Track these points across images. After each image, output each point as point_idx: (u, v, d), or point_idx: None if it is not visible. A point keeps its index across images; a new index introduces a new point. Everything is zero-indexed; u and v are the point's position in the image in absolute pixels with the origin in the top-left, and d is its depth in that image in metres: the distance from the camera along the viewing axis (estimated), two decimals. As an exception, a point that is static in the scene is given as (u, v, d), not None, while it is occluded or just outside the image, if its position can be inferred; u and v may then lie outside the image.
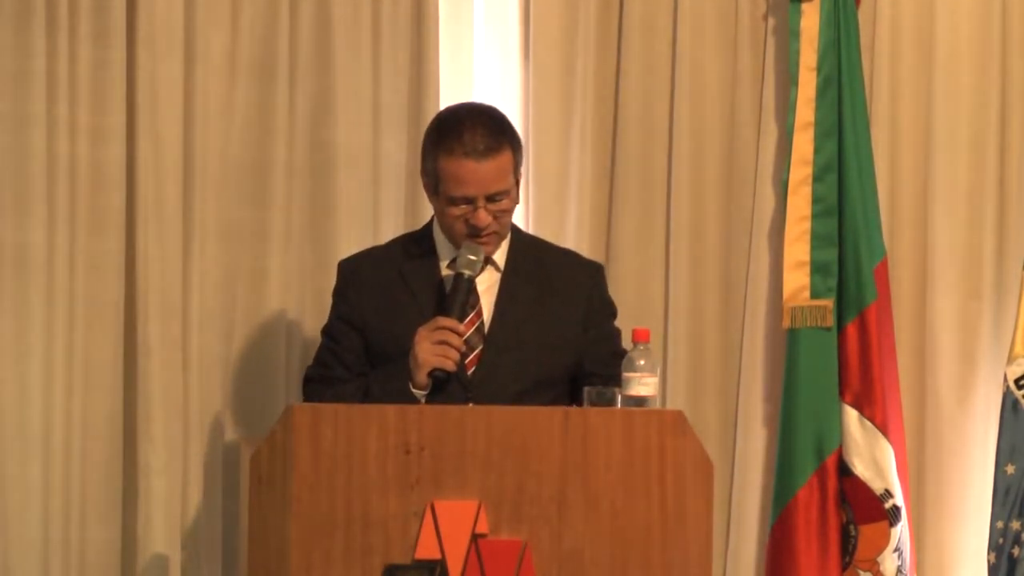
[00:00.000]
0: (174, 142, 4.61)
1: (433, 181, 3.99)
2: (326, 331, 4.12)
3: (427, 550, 3.59)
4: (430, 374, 3.89)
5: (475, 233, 3.96)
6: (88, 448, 4.53)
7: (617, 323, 4.21)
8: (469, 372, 3.97)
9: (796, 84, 4.95)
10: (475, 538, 3.60)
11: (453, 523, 3.59)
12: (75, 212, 4.53)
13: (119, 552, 4.57)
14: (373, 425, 3.60)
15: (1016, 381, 4.81)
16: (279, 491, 3.56)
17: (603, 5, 5.01)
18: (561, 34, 4.99)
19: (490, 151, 3.93)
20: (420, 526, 3.59)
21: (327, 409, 3.63)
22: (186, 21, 4.63)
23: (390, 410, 3.63)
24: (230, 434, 4.68)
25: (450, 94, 4.85)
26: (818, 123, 4.94)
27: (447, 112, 4.11)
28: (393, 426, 3.60)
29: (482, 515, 3.60)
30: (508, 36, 5.02)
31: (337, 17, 4.77)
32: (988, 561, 4.80)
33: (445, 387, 3.91)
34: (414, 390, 3.89)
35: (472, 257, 3.95)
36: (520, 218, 4.90)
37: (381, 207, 4.80)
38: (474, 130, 3.94)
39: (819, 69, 4.94)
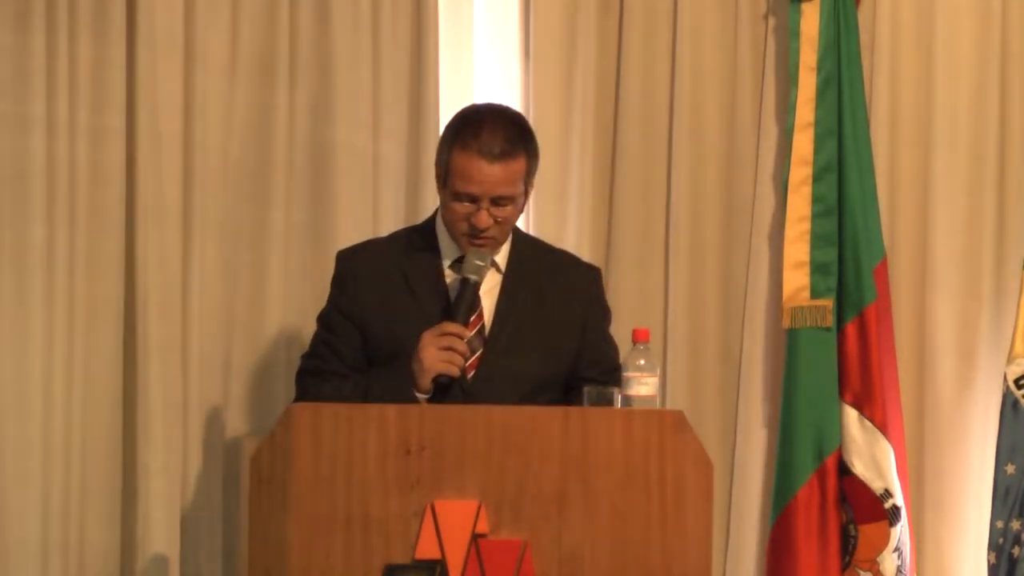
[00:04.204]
0: (174, 142, 4.61)
1: (443, 172, 3.96)
2: (323, 321, 4.08)
3: (427, 550, 3.59)
4: (434, 379, 3.88)
5: (473, 233, 3.94)
6: (88, 448, 4.53)
7: (617, 323, 4.21)
8: (469, 376, 3.96)
9: (796, 84, 4.95)
10: (475, 538, 3.60)
11: (453, 523, 3.59)
12: (75, 212, 4.52)
13: (118, 552, 4.57)
14: (373, 425, 3.59)
15: (1016, 381, 4.81)
16: (279, 491, 3.56)
17: (603, 5, 5.02)
18: (561, 34, 4.99)
19: (504, 155, 3.90)
20: (420, 526, 3.59)
21: (327, 409, 3.62)
22: (186, 21, 4.63)
23: (390, 410, 3.63)
24: (230, 434, 4.68)
25: (450, 94, 4.85)
26: (818, 123, 4.95)
27: (472, 107, 4.08)
28: (393, 426, 3.60)
29: (482, 515, 3.60)
30: (508, 36, 5.02)
31: (337, 17, 4.77)
32: (988, 561, 4.80)
33: (447, 392, 3.90)
34: (416, 394, 3.88)
35: (479, 263, 3.93)
36: (520, 218, 4.91)
37: (381, 207, 4.80)
38: (493, 131, 3.90)
39: (819, 69, 4.95)
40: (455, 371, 3.87)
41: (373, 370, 3.99)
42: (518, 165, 3.93)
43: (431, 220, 4.10)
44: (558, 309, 4.05)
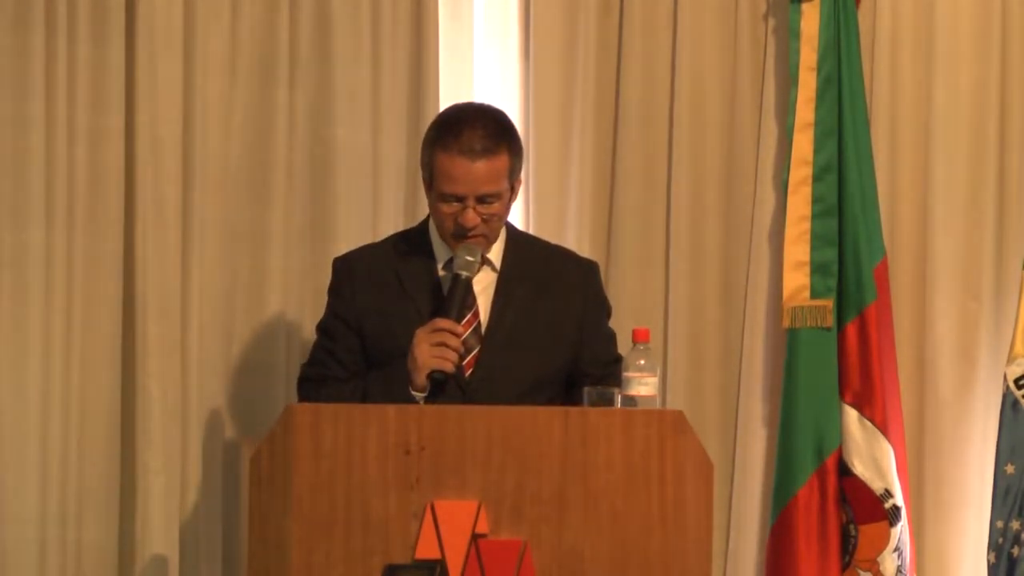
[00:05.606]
0: (174, 142, 4.61)
1: (428, 174, 3.98)
2: (322, 328, 4.10)
3: (427, 550, 3.59)
4: (429, 376, 3.88)
5: (461, 232, 3.95)
6: (86, 448, 4.53)
7: (617, 323, 4.21)
8: (467, 374, 3.96)
9: (796, 84, 4.95)
10: (475, 538, 3.60)
11: (453, 523, 3.59)
12: (74, 213, 4.52)
13: (116, 552, 4.56)
14: (373, 425, 3.59)
15: (1016, 381, 4.81)
16: (279, 491, 3.56)
17: (603, 5, 5.01)
18: (561, 34, 4.99)
19: (486, 152, 3.91)
20: (420, 526, 3.59)
21: (327, 409, 3.62)
22: (186, 21, 4.63)
23: (390, 410, 3.63)
24: (230, 434, 4.68)
25: (450, 94, 4.85)
26: (818, 123, 4.95)
27: (452, 108, 4.10)
28: (393, 426, 3.60)
29: (482, 515, 3.60)
30: (508, 36, 5.02)
31: (337, 17, 4.77)
32: (988, 561, 4.80)
33: (444, 389, 3.90)
34: (413, 392, 3.88)
35: (469, 258, 3.94)
36: (520, 218, 4.91)
37: (381, 207, 4.80)
38: (474, 129, 3.92)
39: (819, 69, 4.94)
40: (449, 367, 3.87)
41: (371, 372, 4.00)
42: (501, 162, 3.94)
43: (424, 224, 4.11)
44: (555, 304, 4.05)
